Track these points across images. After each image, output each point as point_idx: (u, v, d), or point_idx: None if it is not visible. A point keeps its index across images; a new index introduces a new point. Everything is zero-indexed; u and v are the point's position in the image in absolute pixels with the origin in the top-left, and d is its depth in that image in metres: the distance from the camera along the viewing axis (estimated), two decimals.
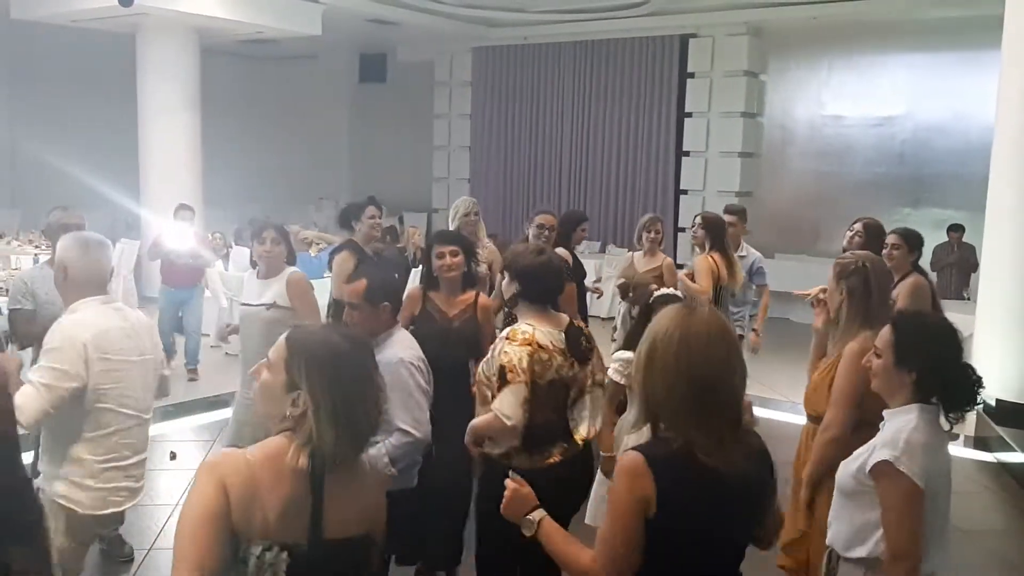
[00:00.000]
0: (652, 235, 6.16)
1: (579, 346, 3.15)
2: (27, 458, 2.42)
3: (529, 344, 2.99)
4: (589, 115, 13.45)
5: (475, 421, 3.12)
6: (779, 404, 6.95)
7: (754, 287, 6.44)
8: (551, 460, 3.05)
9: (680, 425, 1.93)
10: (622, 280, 5.88)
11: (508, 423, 2.94)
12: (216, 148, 12.68)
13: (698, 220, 5.97)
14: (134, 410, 3.08)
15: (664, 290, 3.99)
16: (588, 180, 13.58)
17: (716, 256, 5.76)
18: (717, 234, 5.80)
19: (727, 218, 6.44)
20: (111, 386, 2.98)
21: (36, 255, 8.68)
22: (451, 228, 5.66)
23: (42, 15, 10.86)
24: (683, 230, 11.66)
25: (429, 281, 4.15)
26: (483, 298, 4.23)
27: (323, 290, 5.36)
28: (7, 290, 6.90)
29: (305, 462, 1.81)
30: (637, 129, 12.98)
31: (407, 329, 3.67)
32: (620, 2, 11.74)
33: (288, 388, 1.87)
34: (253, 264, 4.60)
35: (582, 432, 3.14)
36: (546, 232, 5.52)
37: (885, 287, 3.38)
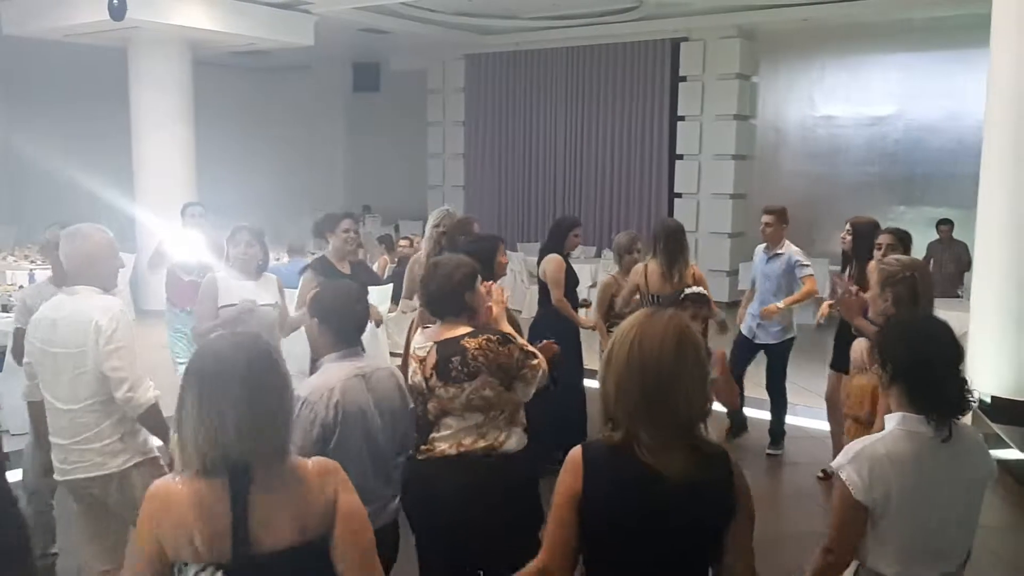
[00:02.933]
0: (634, 256, 6.08)
1: (445, 363, 3.01)
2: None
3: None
4: (582, 120, 13.48)
5: None
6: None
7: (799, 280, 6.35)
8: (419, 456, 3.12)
9: (627, 422, 1.96)
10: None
11: None
12: (211, 159, 12.70)
13: (848, 227, 5.55)
14: (49, 395, 3.28)
15: (693, 288, 3.94)
16: (582, 185, 13.61)
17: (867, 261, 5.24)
18: (862, 242, 5.30)
19: (765, 218, 6.41)
20: (36, 367, 3.31)
21: (32, 271, 8.69)
22: (426, 238, 5.63)
23: (35, 30, 10.90)
24: None
25: None
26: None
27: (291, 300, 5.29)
28: (2, 306, 6.93)
29: (212, 485, 1.81)
30: (630, 133, 13.01)
31: None
32: (611, 7, 11.77)
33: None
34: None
35: (441, 448, 3.06)
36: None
37: (930, 295, 3.36)
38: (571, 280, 6.06)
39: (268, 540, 1.82)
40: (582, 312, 6.13)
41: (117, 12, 8.89)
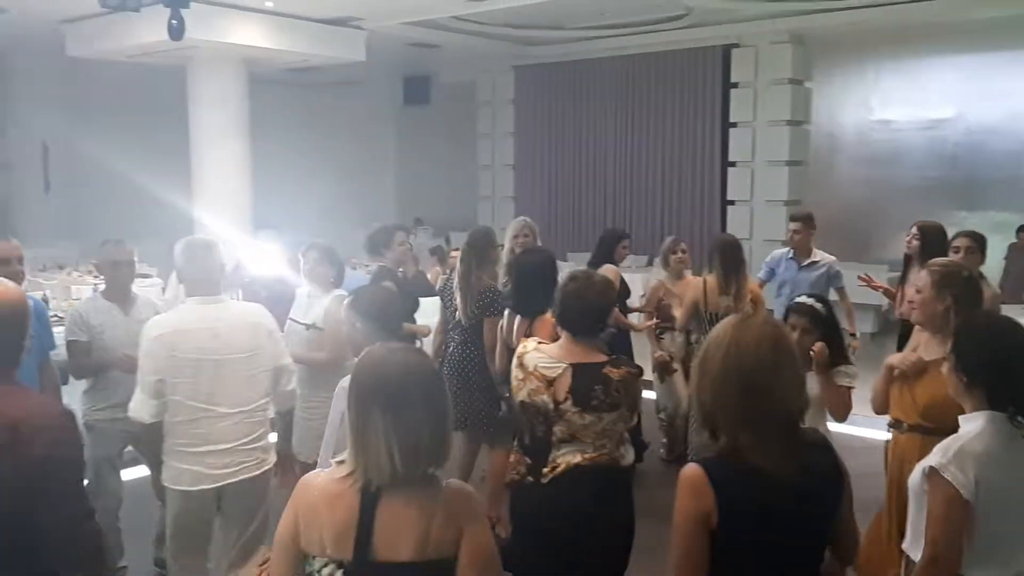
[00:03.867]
0: (679, 256, 6.11)
1: (585, 389, 2.94)
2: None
3: (518, 357, 3.11)
4: (632, 129, 13.43)
5: None
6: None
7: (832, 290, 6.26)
8: (515, 475, 3.10)
9: (729, 428, 1.96)
10: (659, 353, 5.87)
11: None
12: (265, 174, 12.93)
13: (914, 230, 5.41)
14: (204, 403, 3.31)
15: (802, 298, 3.88)
16: (633, 194, 13.54)
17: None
18: (932, 246, 5.12)
19: (792, 225, 6.34)
20: (180, 380, 3.27)
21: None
22: (506, 250, 5.69)
23: (98, 52, 11.22)
24: None
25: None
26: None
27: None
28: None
29: (352, 486, 1.87)
30: (681, 141, 12.92)
31: None
32: (660, 15, 11.73)
33: (349, 414, 1.93)
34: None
35: (566, 459, 3.00)
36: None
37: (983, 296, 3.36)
38: (623, 292, 6.06)
39: (388, 550, 1.86)
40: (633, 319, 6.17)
41: (176, 32, 9.10)
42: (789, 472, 1.92)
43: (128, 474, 4.60)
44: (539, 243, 6.02)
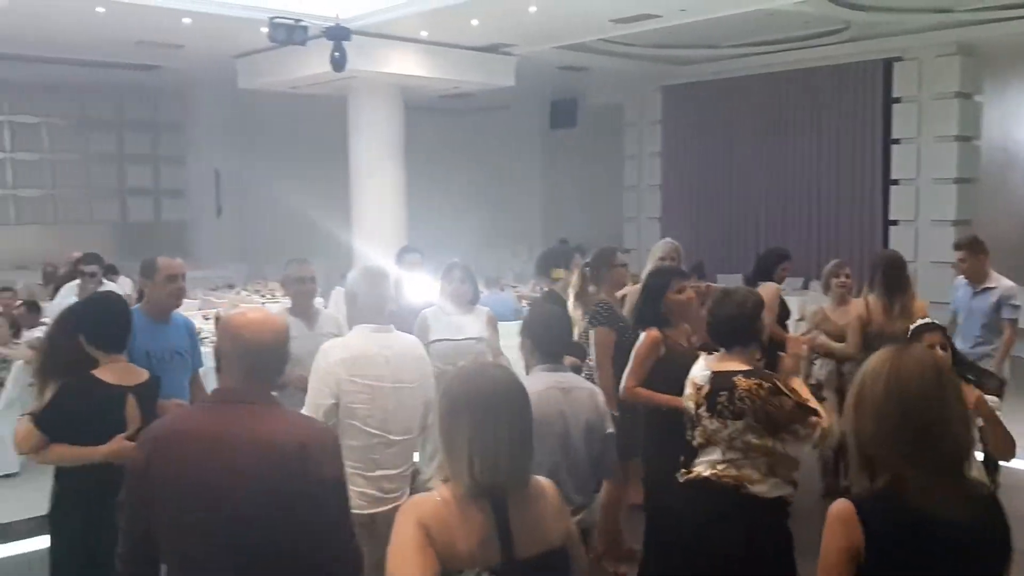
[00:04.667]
0: (842, 280, 5.82)
1: (715, 395, 3.11)
2: None
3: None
4: (786, 146, 13.05)
5: None
6: None
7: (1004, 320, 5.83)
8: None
9: (893, 464, 1.85)
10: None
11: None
12: (417, 198, 13.35)
13: None
14: (378, 430, 3.34)
15: (923, 320, 3.74)
16: (787, 214, 13.14)
17: None
18: None
19: (956, 255, 5.98)
20: (358, 406, 3.30)
21: (263, 303, 9.43)
22: (647, 270, 5.65)
23: (265, 83, 11.94)
24: None
25: (657, 321, 4.10)
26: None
27: (507, 333, 5.40)
28: None
29: (469, 495, 1.95)
30: (839, 159, 12.45)
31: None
32: (816, 30, 11.38)
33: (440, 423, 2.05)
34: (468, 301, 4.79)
35: (698, 470, 3.15)
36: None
37: None
38: (783, 312, 5.88)
39: (528, 546, 1.98)
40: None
41: (339, 63, 9.59)
42: (955, 517, 1.80)
43: None
44: (683, 265, 5.95)
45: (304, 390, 4.39)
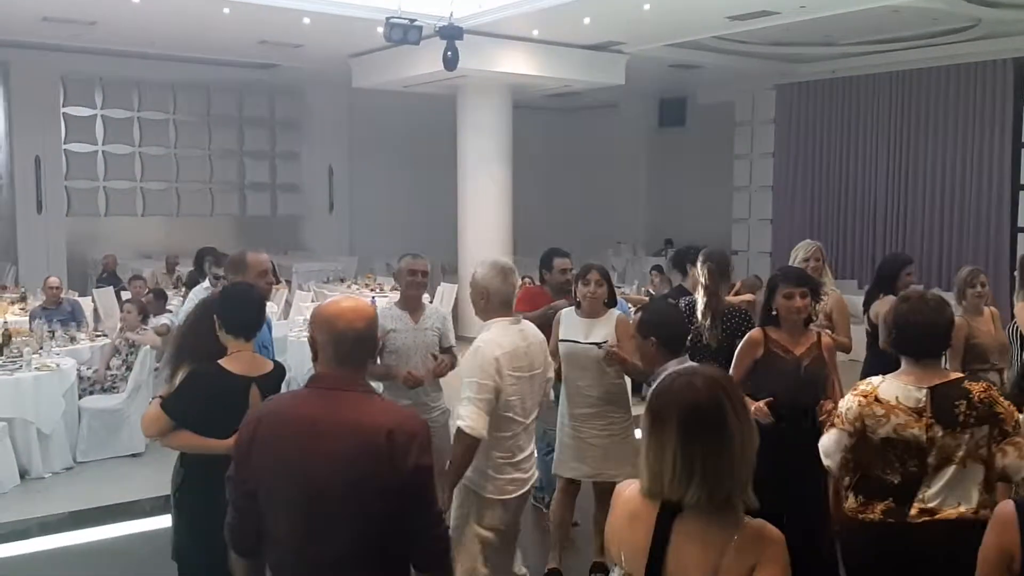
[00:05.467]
0: (977, 290, 5.44)
1: (948, 408, 2.83)
2: None
3: (864, 396, 2.96)
4: (907, 149, 12.53)
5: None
6: None
7: None
8: (869, 516, 2.94)
9: None
10: None
11: (824, 460, 3.04)
12: (523, 196, 13.41)
13: None
14: (523, 417, 3.53)
15: None
16: (907, 219, 12.61)
17: None
18: None
19: None
20: (513, 397, 3.46)
21: (373, 296, 9.64)
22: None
23: (379, 82, 12.19)
24: None
25: (768, 320, 4.03)
26: (826, 337, 4.10)
27: None
28: None
29: (651, 504, 1.87)
30: (964, 163, 11.88)
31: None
32: (944, 27, 10.87)
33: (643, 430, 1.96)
34: (577, 304, 4.73)
35: (934, 504, 2.84)
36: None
37: None
38: None
39: (679, 573, 1.85)
40: None
41: (451, 63, 9.70)
42: None
43: None
44: (827, 268, 5.79)
45: (415, 386, 4.49)
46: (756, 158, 14.70)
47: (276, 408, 2.40)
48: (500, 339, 3.47)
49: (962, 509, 2.81)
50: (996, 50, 11.26)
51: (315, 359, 2.39)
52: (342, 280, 12.15)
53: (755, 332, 4.03)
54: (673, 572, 1.85)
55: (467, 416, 3.33)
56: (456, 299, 11.94)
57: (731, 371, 3.94)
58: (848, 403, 2.99)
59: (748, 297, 5.74)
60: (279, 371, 3.40)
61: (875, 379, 3.00)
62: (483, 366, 3.37)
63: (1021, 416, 2.85)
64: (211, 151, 15.06)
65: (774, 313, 3.98)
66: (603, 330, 4.41)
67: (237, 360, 3.25)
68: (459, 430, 3.36)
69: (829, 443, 3.00)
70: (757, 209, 14.76)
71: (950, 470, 2.84)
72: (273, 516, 2.28)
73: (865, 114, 12.97)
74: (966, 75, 11.78)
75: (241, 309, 3.36)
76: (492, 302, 3.54)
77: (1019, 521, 1.83)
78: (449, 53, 9.76)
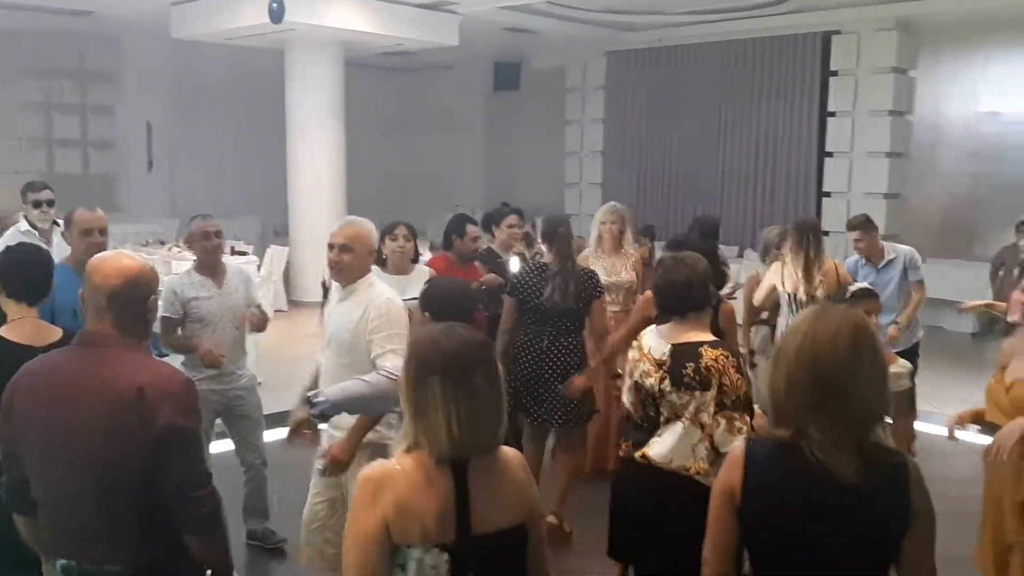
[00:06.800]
0: (783, 251, 5.85)
1: (679, 368, 2.99)
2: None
3: (636, 341, 3.24)
4: (726, 117, 13.17)
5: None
6: (930, 416, 6.56)
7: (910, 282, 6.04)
8: (626, 453, 3.21)
9: (796, 419, 1.88)
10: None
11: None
12: (357, 158, 13.15)
13: None
14: None
15: (859, 284, 3.84)
16: (725, 183, 13.29)
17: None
18: None
19: (851, 235, 6.10)
20: None
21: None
22: (593, 236, 5.69)
23: (200, 34, 11.57)
24: (827, 234, 11.25)
25: None
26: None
27: None
28: None
29: (434, 466, 1.90)
30: (776, 130, 12.63)
31: None
32: (760, 0, 11.45)
33: (407, 387, 1.96)
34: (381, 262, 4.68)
35: (651, 451, 3.06)
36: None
37: None
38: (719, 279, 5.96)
39: (485, 523, 1.91)
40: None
41: (276, 15, 9.36)
42: (848, 478, 1.83)
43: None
44: (629, 229, 5.98)
45: (215, 366, 4.33)
46: (587, 123, 15.03)
47: (35, 368, 2.33)
48: (391, 291, 3.51)
49: (686, 464, 2.98)
50: (806, 24, 11.97)
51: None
52: (162, 243, 11.53)
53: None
54: (480, 522, 1.90)
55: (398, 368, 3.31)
56: (288, 263, 11.63)
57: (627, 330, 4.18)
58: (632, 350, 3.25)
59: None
60: (69, 339, 3.17)
61: (652, 328, 3.22)
62: (401, 317, 3.38)
63: (755, 405, 3.00)
64: (11, 104, 13.83)
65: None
66: (416, 286, 4.42)
67: (20, 328, 2.94)
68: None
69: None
70: (588, 174, 15.12)
71: (679, 426, 3.00)
72: (35, 477, 2.25)
73: (689, 82, 13.48)
74: (780, 47, 12.47)
75: (23, 271, 3.09)
76: (372, 258, 3.57)
77: (745, 461, 1.92)
78: (275, 5, 9.42)
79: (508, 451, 2.02)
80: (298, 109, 11.81)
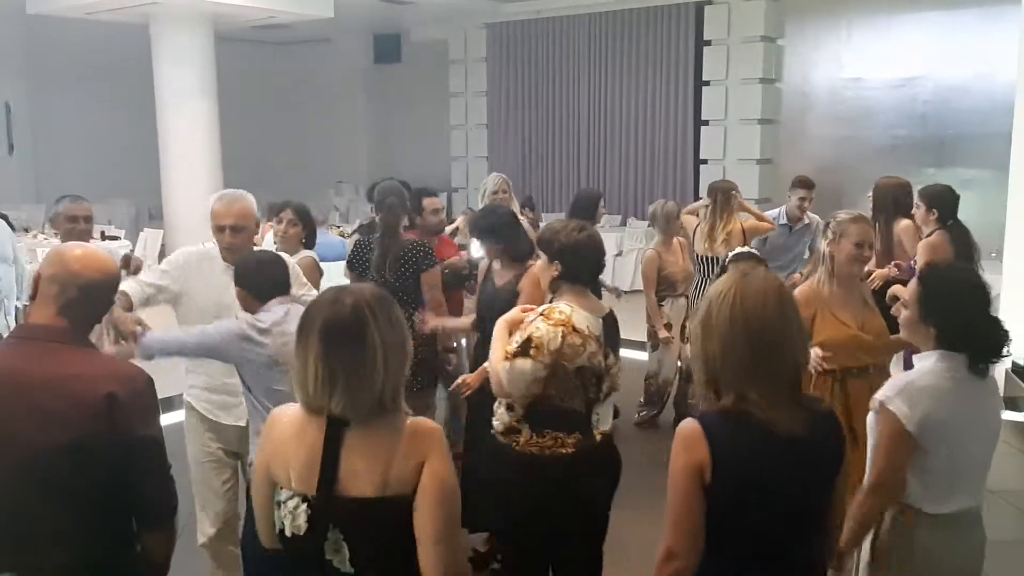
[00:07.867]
0: (680, 223, 6.07)
1: (615, 336, 3.06)
2: None
3: (564, 325, 2.86)
4: (605, 87, 13.34)
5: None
6: None
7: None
8: (563, 450, 2.93)
9: (737, 384, 1.94)
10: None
11: (502, 390, 2.92)
12: (233, 135, 12.74)
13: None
14: None
15: (740, 248, 3.94)
16: (607, 153, 13.49)
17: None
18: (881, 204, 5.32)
19: (800, 192, 6.45)
20: None
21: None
22: (480, 206, 5.64)
23: (57, 8, 10.93)
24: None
25: None
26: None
27: (337, 274, 5.33)
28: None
29: (317, 420, 1.91)
30: (655, 99, 12.87)
31: None
32: None
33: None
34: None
35: (603, 427, 3.05)
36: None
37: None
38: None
39: (352, 486, 1.89)
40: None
41: None
42: (797, 429, 1.92)
43: None
44: (514, 199, 5.97)
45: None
46: (471, 96, 14.96)
47: None
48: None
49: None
50: None
51: (32, 298, 2.16)
52: (26, 230, 10.94)
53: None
54: (346, 483, 1.88)
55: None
56: (163, 246, 11.20)
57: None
58: (548, 333, 2.83)
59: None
60: None
61: (565, 308, 2.92)
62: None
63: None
64: None
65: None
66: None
67: None
68: None
69: (519, 375, 2.83)
70: (474, 147, 15.08)
71: (613, 397, 3.06)
72: None
73: (568, 53, 13.59)
74: (655, 17, 12.68)
75: None
76: (257, 229, 3.63)
77: (706, 436, 1.93)
78: None
79: (413, 422, 1.95)
80: (167, 86, 11.32)
